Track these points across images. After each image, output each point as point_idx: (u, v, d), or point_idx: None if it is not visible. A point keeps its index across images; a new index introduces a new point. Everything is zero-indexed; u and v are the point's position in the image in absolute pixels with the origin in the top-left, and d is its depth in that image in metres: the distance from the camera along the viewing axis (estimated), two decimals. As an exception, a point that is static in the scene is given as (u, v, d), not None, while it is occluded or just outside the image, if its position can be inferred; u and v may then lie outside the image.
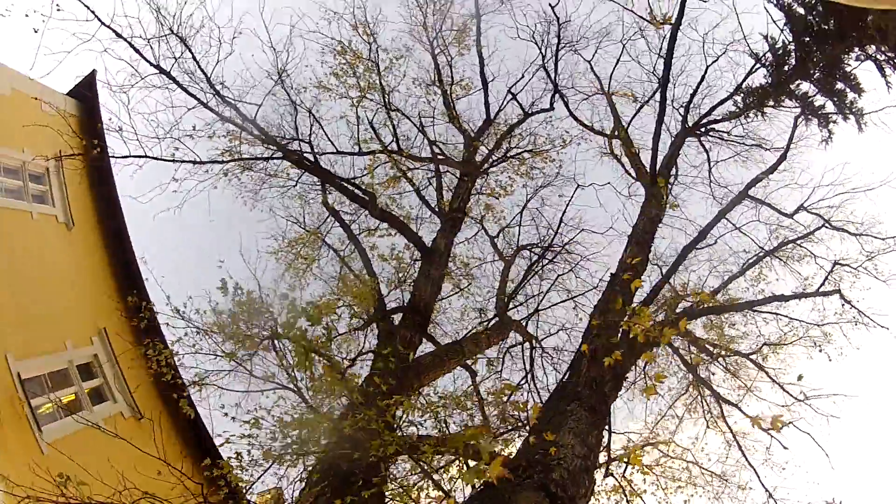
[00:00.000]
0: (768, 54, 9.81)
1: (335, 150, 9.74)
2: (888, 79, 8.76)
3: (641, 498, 8.66)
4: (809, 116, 9.95)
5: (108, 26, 7.23)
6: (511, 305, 10.13)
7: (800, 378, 7.24)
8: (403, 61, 10.94)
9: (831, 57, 9.31)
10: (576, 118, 11.12)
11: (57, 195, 8.86)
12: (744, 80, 9.99)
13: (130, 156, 7.79)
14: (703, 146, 10.76)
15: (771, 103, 10.10)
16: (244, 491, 6.12)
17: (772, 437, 9.26)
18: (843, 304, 9.94)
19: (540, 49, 10.95)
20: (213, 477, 6.11)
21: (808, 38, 9.47)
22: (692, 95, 10.13)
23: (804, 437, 9.12)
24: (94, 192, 9.48)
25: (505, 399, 8.59)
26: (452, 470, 6.67)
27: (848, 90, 9.52)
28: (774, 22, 9.41)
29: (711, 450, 10.42)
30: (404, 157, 10.24)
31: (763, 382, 10.40)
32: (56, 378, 7.63)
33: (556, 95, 10.99)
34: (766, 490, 9.61)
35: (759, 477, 9.73)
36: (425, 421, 6.53)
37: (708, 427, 10.57)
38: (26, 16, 6.69)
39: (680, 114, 10.27)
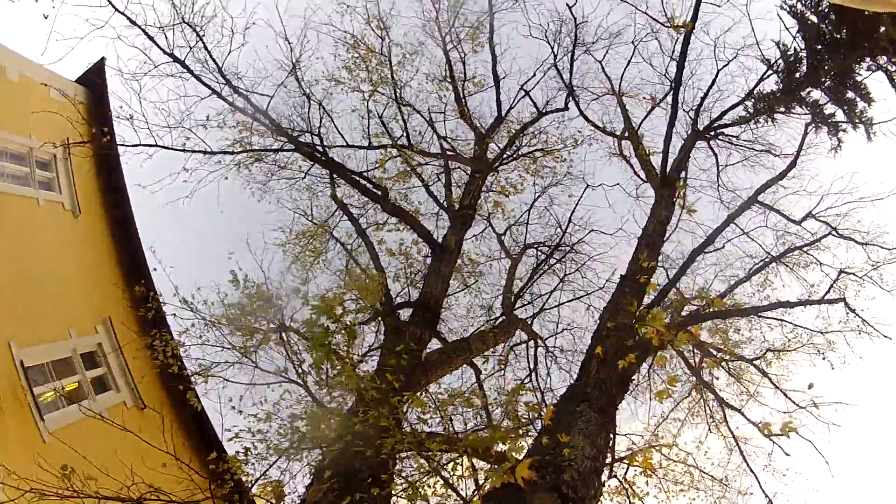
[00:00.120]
0: (780, 61, 9.82)
1: (345, 144, 9.67)
2: (898, 89, 8.79)
3: (643, 501, 8.64)
4: (819, 124, 9.95)
5: (122, 13, 7.16)
6: (517, 304, 10.11)
7: (810, 387, 7.23)
8: (416, 56, 10.92)
9: (842, 66, 9.32)
10: (587, 118, 11.13)
11: (64, 182, 8.79)
12: (755, 86, 10.00)
13: (141, 144, 7.71)
14: (712, 150, 10.76)
15: (781, 110, 10.10)
16: (250, 486, 6.07)
17: (774, 443, 9.29)
18: (847, 313, 9.92)
19: (552, 48, 10.95)
20: (217, 471, 6.07)
21: (820, 47, 9.49)
22: (703, 99, 10.13)
23: (805, 444, 9.15)
24: (102, 180, 9.41)
25: (517, 399, 8.55)
26: (459, 469, 6.62)
27: (858, 99, 9.52)
28: (787, 29, 9.42)
29: (712, 454, 10.44)
30: (414, 153, 10.18)
31: (765, 388, 10.44)
32: (59, 367, 7.56)
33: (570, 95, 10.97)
34: (767, 496, 9.58)
35: (759, 483, 9.72)
36: (431, 419, 6.50)
37: (710, 431, 10.58)
38: (36, 0, 6.61)
39: (690, 117, 10.27)
